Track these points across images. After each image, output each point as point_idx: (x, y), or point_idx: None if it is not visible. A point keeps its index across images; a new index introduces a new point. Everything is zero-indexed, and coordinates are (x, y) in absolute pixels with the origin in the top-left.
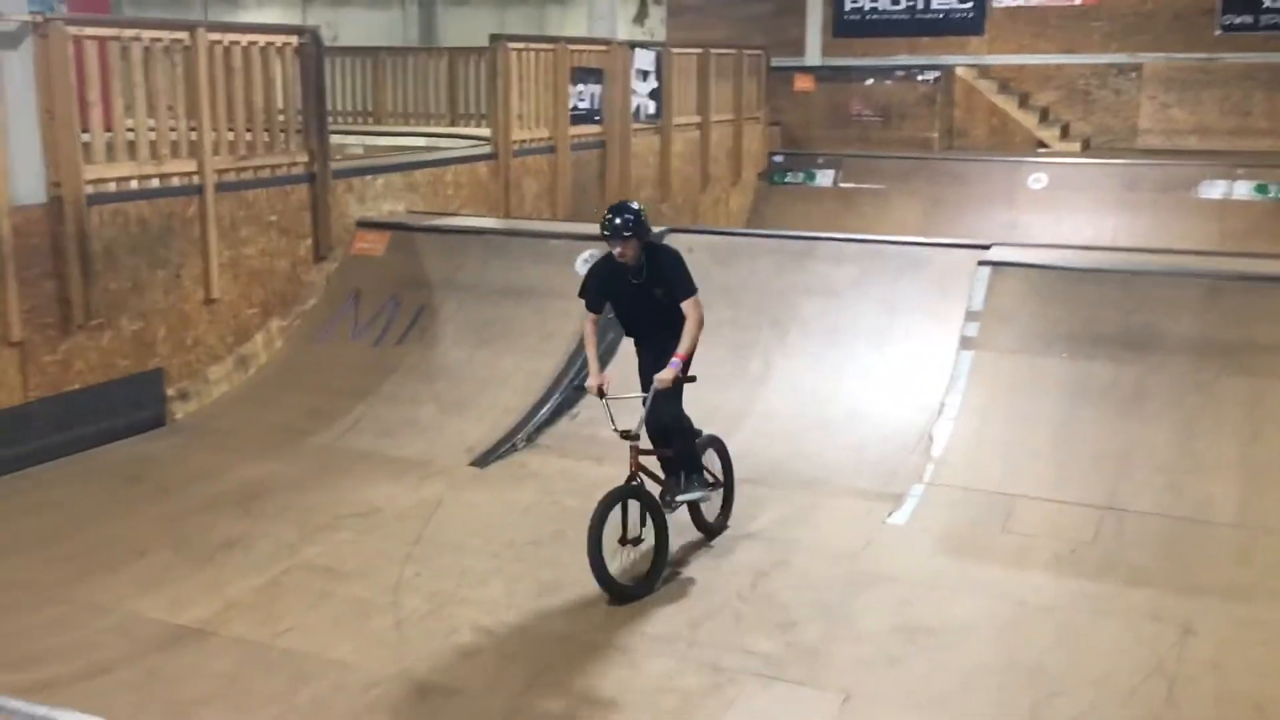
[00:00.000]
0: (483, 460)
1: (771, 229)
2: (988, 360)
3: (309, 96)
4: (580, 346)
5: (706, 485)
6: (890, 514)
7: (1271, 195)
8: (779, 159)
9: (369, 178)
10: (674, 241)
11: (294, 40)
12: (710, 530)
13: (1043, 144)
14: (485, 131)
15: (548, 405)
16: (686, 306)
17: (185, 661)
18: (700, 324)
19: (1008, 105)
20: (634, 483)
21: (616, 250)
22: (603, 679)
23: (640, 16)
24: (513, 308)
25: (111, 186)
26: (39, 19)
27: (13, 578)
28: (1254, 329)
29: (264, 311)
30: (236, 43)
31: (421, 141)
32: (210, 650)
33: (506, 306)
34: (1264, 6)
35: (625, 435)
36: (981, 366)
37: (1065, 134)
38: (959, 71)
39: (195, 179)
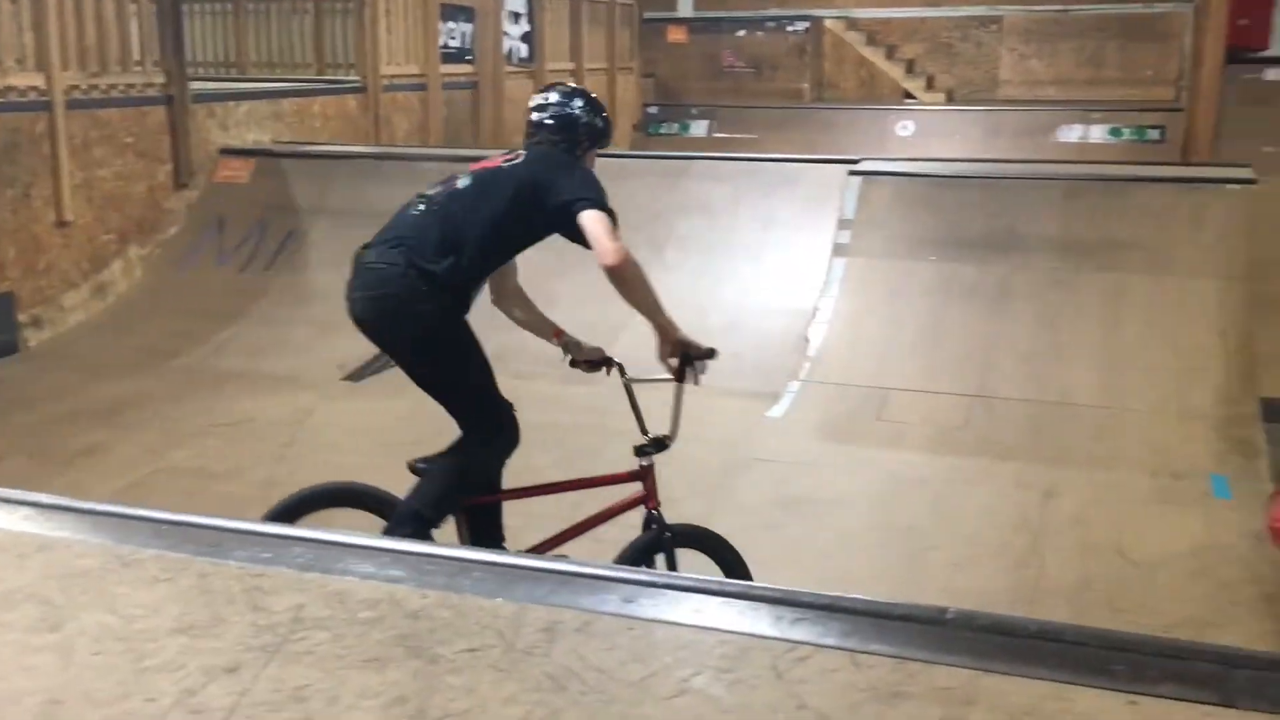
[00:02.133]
0: (357, 375)
1: None
2: (859, 266)
3: (163, 13)
4: None
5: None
6: (768, 409)
7: (1125, 137)
8: (653, 110)
9: (232, 104)
10: None
11: None
12: None
13: (909, 95)
14: (355, 78)
15: None
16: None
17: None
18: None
19: (875, 57)
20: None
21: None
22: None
23: None
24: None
25: None
26: None
27: None
28: (1110, 227)
29: (122, 238)
30: None
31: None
32: None
33: (375, 229)
34: None
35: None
36: (854, 272)
37: (930, 86)
38: (828, 24)
39: (43, 94)
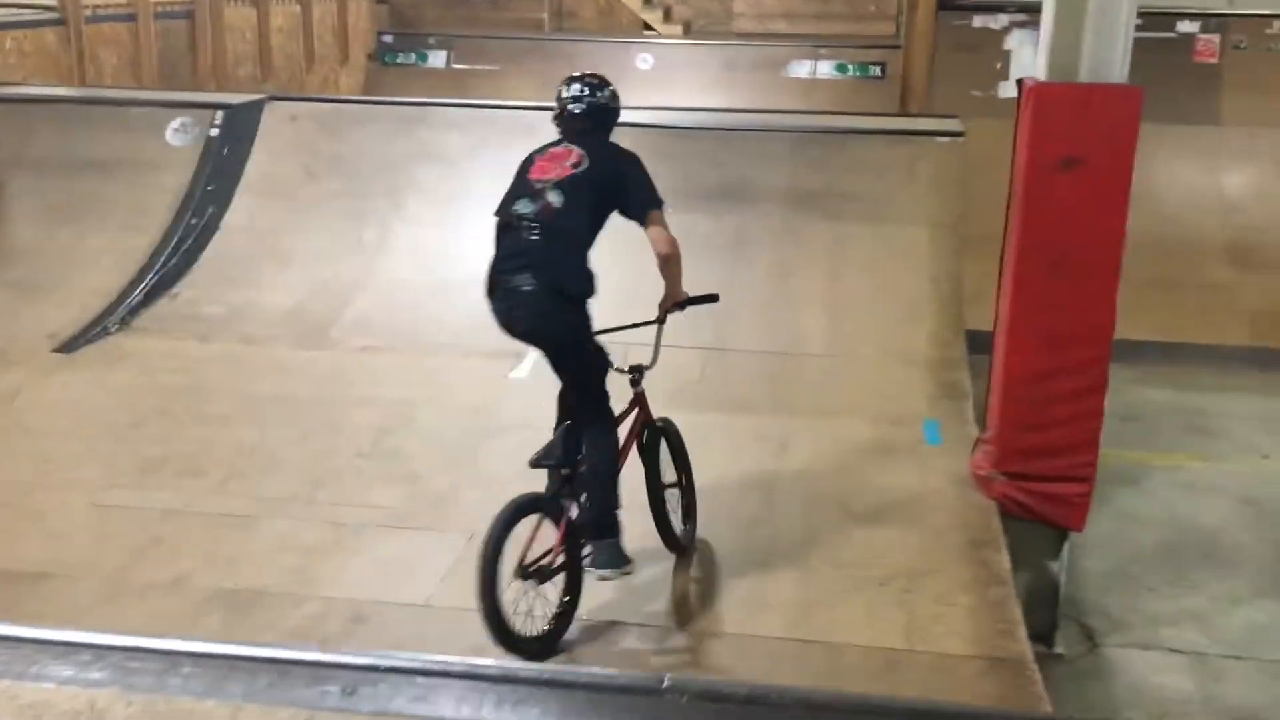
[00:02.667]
0: (69, 346)
1: None
2: None
3: None
4: (176, 219)
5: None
6: (513, 369)
7: (850, 73)
8: (388, 39)
9: None
10: (276, 110)
11: None
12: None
13: (648, 26)
14: (52, 3)
15: (143, 285)
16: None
17: None
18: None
19: None
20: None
21: None
22: (216, 545)
23: None
24: (97, 182)
25: None
26: None
27: None
28: (834, 178)
29: None
30: None
31: None
32: None
33: (90, 181)
34: None
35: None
36: None
37: (668, 17)
38: None
39: None
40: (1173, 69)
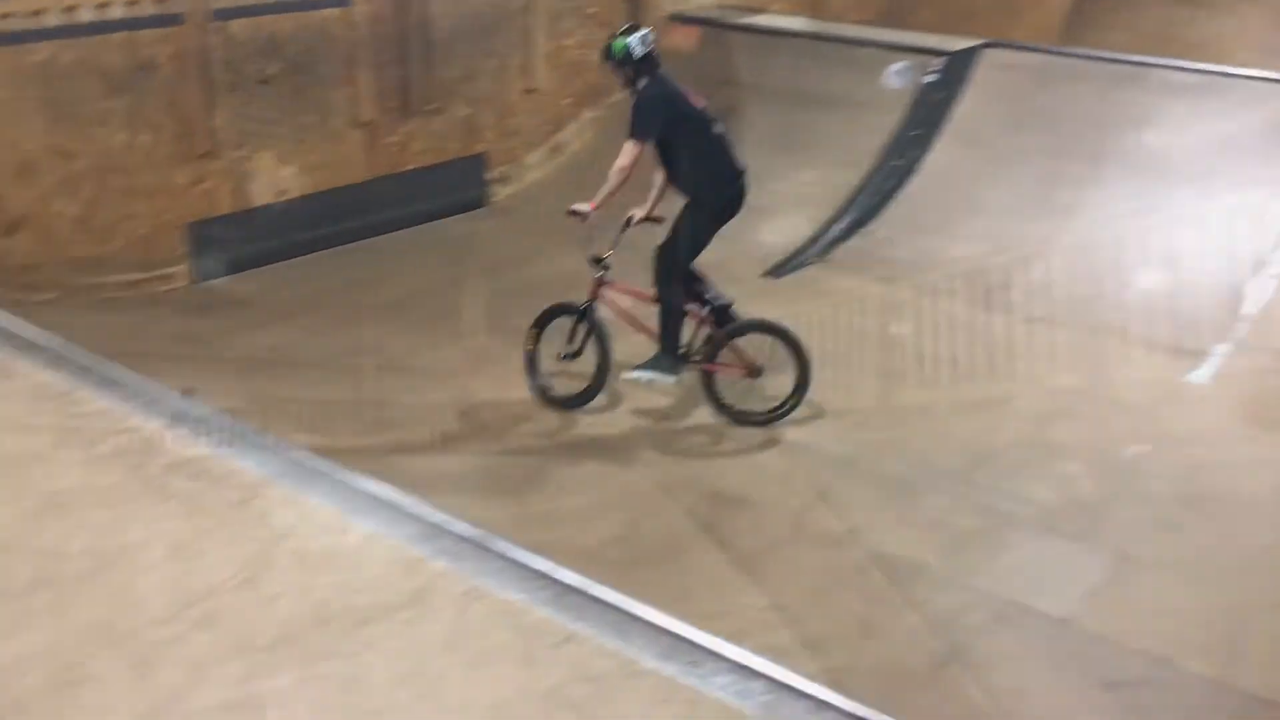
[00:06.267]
0: (776, 271)
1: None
2: None
3: None
4: (884, 160)
5: (662, 368)
6: (1189, 371)
7: None
8: None
9: None
10: (989, 58)
11: None
12: (734, 415)
13: None
14: None
15: (844, 220)
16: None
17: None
18: (617, 171)
19: None
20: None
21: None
22: (879, 509)
23: None
24: (817, 116)
25: None
26: None
27: (374, 344)
28: None
29: (577, 102)
30: None
31: None
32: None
33: (811, 114)
34: None
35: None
36: None
37: None
38: None
39: None
40: None
